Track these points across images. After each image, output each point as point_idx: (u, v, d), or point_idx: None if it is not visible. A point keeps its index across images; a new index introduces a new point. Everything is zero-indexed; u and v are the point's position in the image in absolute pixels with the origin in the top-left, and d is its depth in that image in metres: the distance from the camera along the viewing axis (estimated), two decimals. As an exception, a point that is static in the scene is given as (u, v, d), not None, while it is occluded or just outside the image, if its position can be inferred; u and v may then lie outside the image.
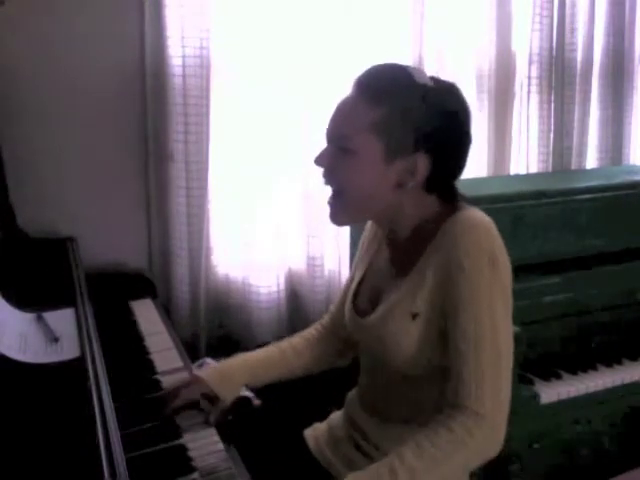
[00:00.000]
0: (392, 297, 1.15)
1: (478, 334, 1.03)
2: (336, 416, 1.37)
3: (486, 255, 1.05)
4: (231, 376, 1.29)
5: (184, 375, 1.37)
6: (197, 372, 1.33)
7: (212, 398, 1.25)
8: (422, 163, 1.09)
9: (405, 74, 1.10)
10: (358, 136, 1.09)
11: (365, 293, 1.27)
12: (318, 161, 1.14)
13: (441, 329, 1.09)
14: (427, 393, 1.15)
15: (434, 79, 1.13)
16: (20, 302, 1.30)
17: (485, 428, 1.02)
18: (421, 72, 1.13)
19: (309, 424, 1.39)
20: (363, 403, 1.29)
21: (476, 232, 1.07)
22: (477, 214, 1.11)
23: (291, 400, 1.47)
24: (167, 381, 1.36)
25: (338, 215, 1.16)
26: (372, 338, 1.19)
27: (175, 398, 1.23)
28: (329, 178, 1.14)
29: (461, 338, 1.04)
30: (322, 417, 1.39)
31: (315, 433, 1.36)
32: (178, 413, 1.22)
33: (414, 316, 1.10)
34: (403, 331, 1.12)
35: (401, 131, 1.08)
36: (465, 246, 1.05)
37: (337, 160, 1.11)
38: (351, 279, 1.35)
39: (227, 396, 1.26)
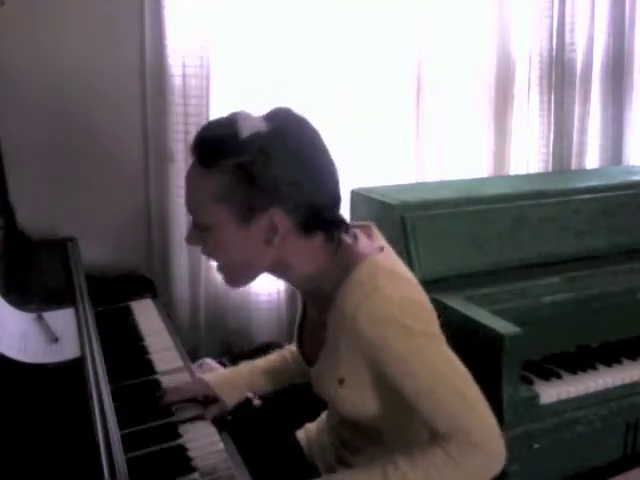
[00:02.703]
0: (320, 358, 1.12)
1: (427, 386, 1.00)
2: (325, 417, 1.36)
3: (388, 325, 0.99)
4: (235, 384, 1.30)
5: (187, 378, 1.37)
6: (202, 375, 1.34)
7: (212, 400, 1.26)
8: (279, 217, 1.02)
9: (229, 131, 1.01)
10: (204, 210, 1.04)
11: (307, 337, 1.24)
12: (188, 241, 1.11)
13: (378, 390, 1.06)
14: (402, 438, 1.13)
15: (272, 119, 1.04)
16: (20, 302, 1.30)
17: (483, 456, 1.00)
18: (250, 120, 1.03)
19: (303, 423, 1.40)
20: (335, 434, 1.28)
21: (369, 305, 0.99)
22: (368, 272, 1.03)
23: (290, 400, 1.47)
24: (167, 381, 1.36)
25: (230, 283, 1.14)
26: (315, 390, 1.18)
27: (176, 393, 1.24)
28: (207, 255, 1.12)
29: (414, 397, 1.00)
30: (316, 416, 1.39)
31: (307, 434, 1.37)
32: (175, 404, 1.23)
33: (341, 382, 1.07)
34: (335, 394, 1.10)
35: (242, 193, 1.00)
36: (364, 325, 0.99)
37: (202, 237, 1.07)
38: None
39: (229, 401, 1.27)
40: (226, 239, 1.05)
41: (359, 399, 1.09)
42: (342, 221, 1.10)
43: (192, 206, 1.07)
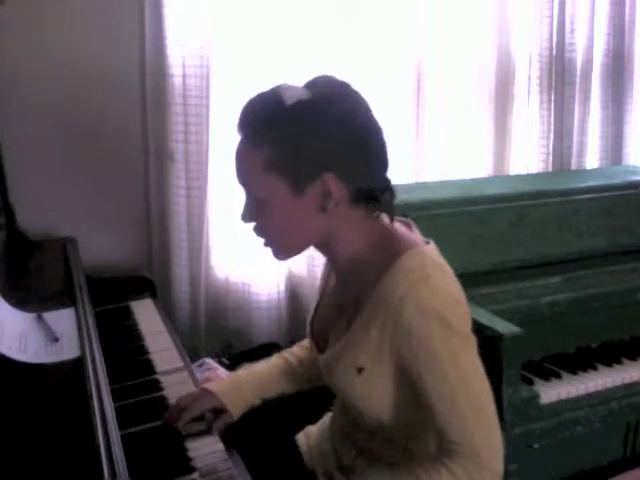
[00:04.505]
0: (337, 346, 1.11)
1: (451, 391, 0.99)
2: (327, 420, 1.35)
3: (434, 318, 0.98)
4: (241, 391, 1.27)
5: (188, 378, 1.34)
6: (207, 385, 1.30)
7: (219, 411, 1.23)
8: (332, 182, 1.02)
9: (274, 101, 1.02)
10: (258, 182, 1.04)
11: (319, 324, 1.23)
12: (243, 219, 1.10)
13: (397, 385, 1.05)
14: (409, 437, 1.13)
15: (313, 86, 1.04)
16: (20, 302, 1.30)
17: (486, 477, 1.00)
18: (292, 89, 1.03)
19: (304, 426, 1.38)
20: (341, 433, 1.26)
21: (418, 294, 0.99)
22: (418, 261, 1.03)
23: (291, 401, 1.46)
24: (170, 383, 1.35)
25: (279, 256, 1.12)
26: (326, 379, 1.17)
27: (184, 411, 1.20)
28: (257, 232, 1.10)
29: (435, 398, 1.00)
30: (317, 418, 1.38)
31: (308, 438, 1.35)
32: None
33: (360, 370, 1.06)
34: (348, 384, 1.09)
35: (295, 160, 1.01)
36: (410, 313, 0.98)
37: (257, 212, 1.07)
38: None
39: (236, 411, 1.24)
40: (281, 209, 1.04)
41: (374, 392, 1.07)
42: (389, 190, 1.09)
43: (245, 180, 1.07)
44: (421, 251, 1.05)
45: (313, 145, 1.01)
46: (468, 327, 1.04)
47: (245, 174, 1.06)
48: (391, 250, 1.05)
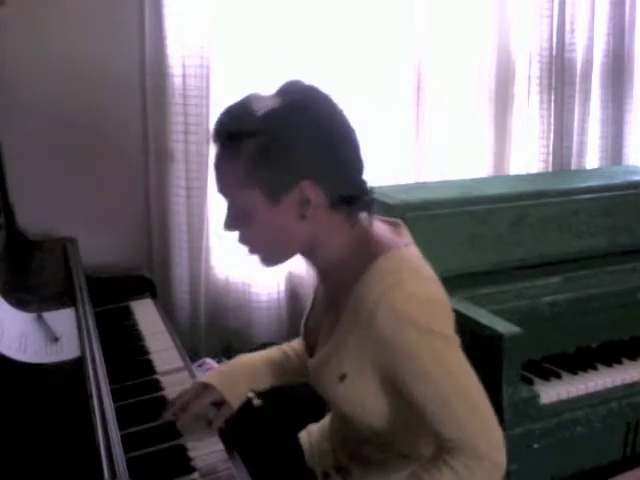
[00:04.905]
0: (322, 351, 1.11)
1: (439, 392, 0.98)
2: (328, 419, 1.35)
3: (410, 325, 0.97)
4: (238, 381, 1.27)
5: (192, 381, 1.32)
6: (204, 377, 1.29)
7: (219, 404, 1.23)
8: (310, 189, 1.02)
9: (245, 112, 1.02)
10: (236, 195, 1.05)
11: (313, 323, 1.23)
12: (225, 227, 1.10)
13: (384, 393, 1.05)
14: (402, 441, 1.13)
15: (284, 94, 1.04)
16: (20, 302, 1.30)
17: (488, 469, 1.00)
18: (263, 99, 1.04)
19: (307, 425, 1.38)
20: (339, 434, 1.26)
21: (393, 298, 0.98)
22: (394, 264, 1.02)
23: (294, 400, 1.46)
24: (170, 383, 1.35)
25: (265, 264, 1.13)
26: (313, 383, 1.16)
27: (185, 410, 1.19)
28: (242, 241, 1.10)
29: (424, 401, 0.99)
30: (320, 417, 1.38)
31: (309, 437, 1.35)
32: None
33: (342, 377, 1.06)
34: (333, 390, 1.09)
35: (268, 172, 1.01)
36: (384, 319, 0.97)
37: (237, 221, 1.07)
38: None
39: (235, 402, 1.24)
40: (261, 219, 1.04)
41: (360, 399, 1.07)
42: (367, 192, 1.08)
43: (224, 193, 1.07)
44: (398, 254, 1.04)
45: (287, 153, 1.01)
46: (449, 327, 1.03)
47: (224, 186, 1.07)
48: (368, 253, 1.04)
